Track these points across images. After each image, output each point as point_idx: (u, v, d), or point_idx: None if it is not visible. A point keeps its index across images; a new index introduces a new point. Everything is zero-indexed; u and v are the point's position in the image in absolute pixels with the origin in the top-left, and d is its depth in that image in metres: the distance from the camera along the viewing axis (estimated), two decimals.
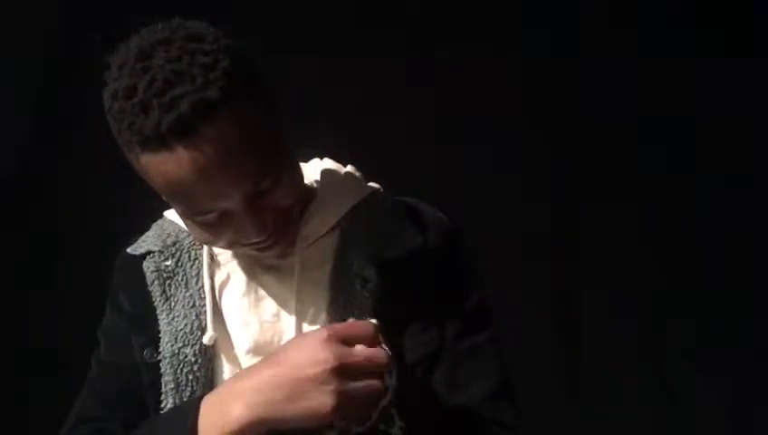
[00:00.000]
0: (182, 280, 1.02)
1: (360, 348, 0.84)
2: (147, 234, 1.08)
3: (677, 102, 2.31)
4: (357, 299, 0.96)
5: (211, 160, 0.84)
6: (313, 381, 0.82)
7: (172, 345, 0.99)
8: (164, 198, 0.93)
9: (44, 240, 2.22)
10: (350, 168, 1.09)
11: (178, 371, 0.98)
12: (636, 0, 2.34)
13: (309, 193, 1.02)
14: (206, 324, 0.99)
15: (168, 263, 1.03)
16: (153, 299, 1.01)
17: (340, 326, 0.86)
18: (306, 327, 0.99)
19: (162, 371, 0.98)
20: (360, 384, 0.83)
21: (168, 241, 1.04)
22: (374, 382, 0.84)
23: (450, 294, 1.01)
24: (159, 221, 1.09)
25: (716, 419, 2.26)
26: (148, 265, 1.03)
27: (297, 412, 0.82)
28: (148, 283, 1.02)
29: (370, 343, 0.85)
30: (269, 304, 1.01)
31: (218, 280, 1.02)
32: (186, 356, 0.98)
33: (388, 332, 0.89)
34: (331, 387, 0.81)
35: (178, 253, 1.04)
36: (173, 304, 1.01)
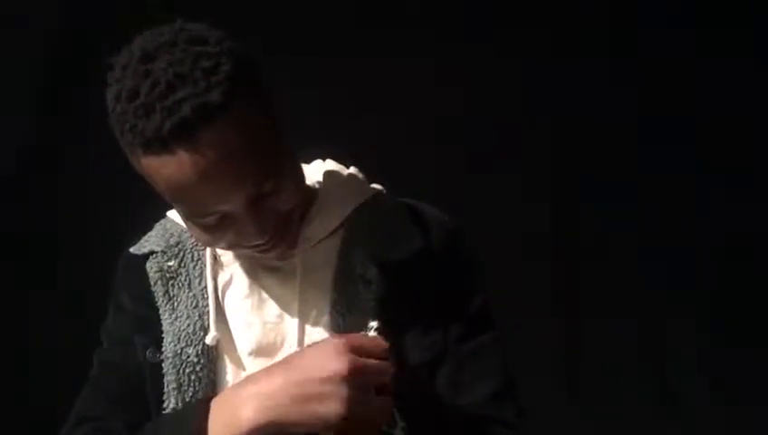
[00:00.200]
0: (185, 280, 1.02)
1: (372, 361, 0.85)
2: (150, 234, 1.08)
3: (677, 102, 2.31)
4: (360, 301, 0.96)
5: (212, 164, 0.84)
6: (324, 387, 0.82)
7: (175, 345, 0.99)
8: (166, 199, 0.93)
9: (44, 240, 2.22)
10: (352, 169, 1.09)
11: (181, 371, 0.98)
12: (636, 0, 2.34)
13: (311, 195, 1.02)
14: (208, 325, 1.00)
15: (170, 263, 1.03)
16: (156, 299, 1.02)
17: (354, 336, 0.87)
18: (309, 329, 0.99)
19: (164, 371, 0.99)
20: (370, 396, 0.84)
21: (171, 241, 1.04)
22: (384, 397, 0.84)
23: (453, 296, 1.01)
24: (162, 221, 1.09)
25: (716, 419, 2.26)
26: (151, 266, 1.03)
27: (307, 418, 0.83)
28: (151, 283, 1.02)
29: (383, 358, 0.85)
30: (272, 306, 1.01)
31: (221, 281, 1.03)
32: (188, 356, 0.98)
33: (391, 333, 0.90)
34: (341, 393, 0.82)
35: (181, 253, 1.04)
36: (176, 304, 1.01)
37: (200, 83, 0.82)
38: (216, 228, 0.91)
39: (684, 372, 2.34)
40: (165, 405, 0.98)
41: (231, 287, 1.02)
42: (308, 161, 1.09)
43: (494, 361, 1.01)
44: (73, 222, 2.19)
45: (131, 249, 1.07)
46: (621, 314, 2.33)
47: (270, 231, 0.92)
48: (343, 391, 0.82)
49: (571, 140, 2.37)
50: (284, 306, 1.00)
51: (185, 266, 1.03)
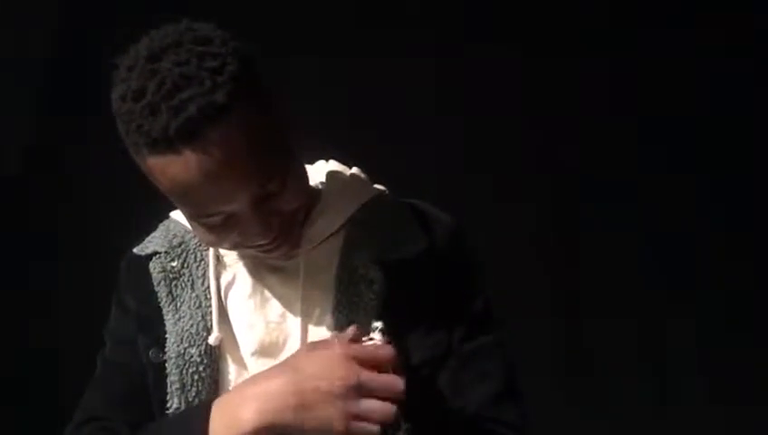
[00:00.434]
0: (188, 281, 1.02)
1: (378, 374, 0.84)
2: (153, 234, 1.08)
3: (677, 102, 2.31)
4: (362, 301, 0.96)
5: (218, 164, 0.84)
6: (328, 395, 0.83)
7: (178, 346, 0.99)
8: (170, 200, 0.93)
9: (44, 240, 2.22)
10: (355, 169, 1.09)
11: (184, 371, 0.98)
12: (636, 0, 2.34)
13: (314, 195, 1.02)
14: (211, 325, 1.00)
15: (174, 264, 1.03)
16: (159, 300, 1.02)
17: (360, 347, 0.87)
18: (312, 328, 0.99)
19: (168, 371, 0.99)
20: (371, 406, 0.83)
21: (174, 242, 1.05)
22: (386, 406, 0.84)
23: (456, 296, 1.01)
24: (166, 222, 1.09)
25: (716, 419, 2.25)
26: (154, 266, 1.03)
27: (307, 422, 0.83)
28: (155, 283, 1.02)
29: (389, 368, 0.85)
30: (275, 306, 1.01)
31: (224, 281, 1.03)
32: (191, 357, 0.98)
33: (394, 333, 0.90)
34: (342, 406, 0.82)
35: (184, 254, 1.04)
36: (179, 304, 1.01)
37: (206, 83, 0.83)
38: (220, 228, 0.91)
39: (684, 372, 2.34)
40: (168, 405, 0.98)
41: (234, 287, 1.02)
42: (311, 162, 1.09)
43: (495, 361, 1.01)
44: (73, 222, 2.19)
45: (134, 250, 1.07)
46: (621, 314, 2.33)
47: (274, 231, 0.92)
48: (342, 404, 0.82)
49: (571, 140, 2.37)
50: (287, 306, 1.00)
51: (188, 267, 1.03)
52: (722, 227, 2.31)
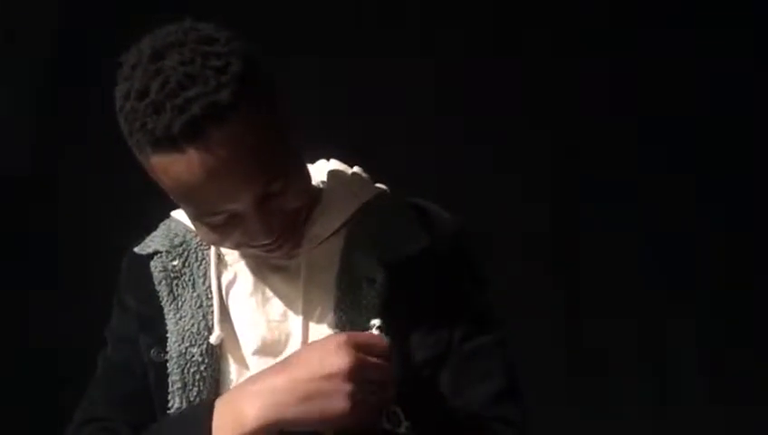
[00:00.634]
0: (189, 280, 1.02)
1: (372, 358, 0.85)
2: (154, 234, 1.08)
3: (677, 102, 2.31)
4: (364, 299, 0.96)
5: (221, 163, 0.84)
6: (327, 384, 0.83)
7: (179, 345, 0.99)
8: (172, 199, 0.93)
9: (44, 240, 2.22)
10: (356, 168, 1.09)
11: (185, 370, 0.98)
12: (636, 0, 2.34)
13: (315, 194, 1.02)
14: (212, 324, 1.00)
15: (175, 263, 1.03)
16: (160, 299, 1.02)
17: (356, 335, 0.87)
18: (313, 327, 0.99)
19: (169, 370, 0.99)
20: (373, 390, 0.84)
21: (176, 241, 1.05)
22: (385, 392, 0.85)
23: (457, 295, 1.01)
24: (167, 221, 1.09)
25: (716, 419, 2.26)
26: (155, 265, 1.03)
27: (311, 415, 0.83)
28: (156, 283, 1.02)
29: (383, 356, 0.86)
30: (276, 305, 1.01)
31: (225, 280, 1.03)
32: (193, 356, 0.98)
33: (395, 332, 0.90)
34: (346, 391, 0.82)
35: (186, 253, 1.04)
36: (180, 303, 1.01)
37: (210, 82, 0.83)
38: (223, 228, 0.91)
39: (684, 372, 2.34)
40: (170, 405, 0.98)
41: (235, 286, 1.02)
42: (312, 161, 1.09)
43: (496, 360, 1.01)
44: (73, 222, 2.19)
45: (135, 249, 1.07)
46: (621, 314, 2.33)
47: (277, 231, 0.92)
48: (346, 387, 0.82)
49: (571, 140, 2.37)
50: (288, 305, 1.00)
51: (189, 266, 1.03)
52: (722, 227, 2.31)
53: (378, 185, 1.09)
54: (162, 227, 1.09)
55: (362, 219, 1.02)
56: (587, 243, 2.38)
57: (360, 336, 0.87)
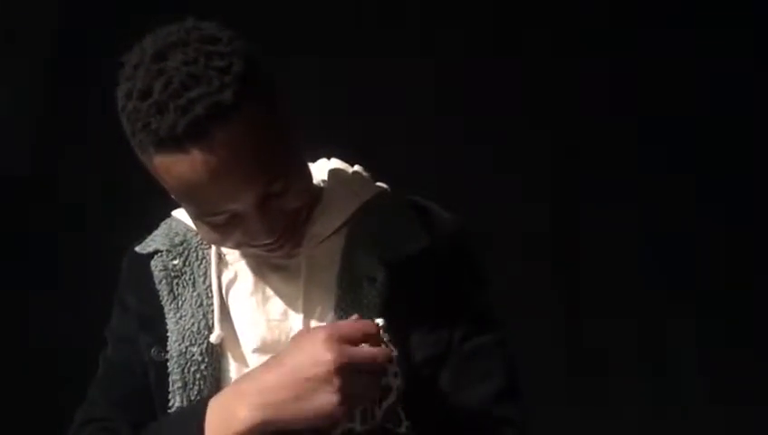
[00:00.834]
0: (189, 279, 1.02)
1: (362, 346, 0.85)
2: (155, 233, 1.08)
3: (677, 102, 2.31)
4: (364, 299, 0.96)
5: (224, 163, 0.84)
6: (317, 381, 0.82)
7: (179, 344, 0.99)
8: (174, 198, 0.93)
9: (44, 240, 2.22)
10: (357, 167, 1.09)
11: (186, 370, 0.98)
12: (636, 0, 2.34)
13: (316, 193, 1.02)
14: (213, 324, 1.00)
15: (175, 262, 1.03)
16: (161, 298, 1.02)
17: (341, 325, 0.87)
18: (314, 326, 0.98)
19: (169, 370, 0.99)
20: (362, 382, 0.84)
21: (176, 240, 1.05)
22: (376, 380, 0.85)
23: (457, 294, 1.01)
24: (167, 220, 1.09)
25: (716, 419, 2.26)
26: (155, 264, 1.03)
27: (302, 413, 0.83)
28: (156, 282, 1.02)
29: (373, 341, 0.86)
30: (276, 304, 1.01)
31: (226, 279, 1.03)
32: (193, 355, 0.98)
33: (396, 331, 0.90)
34: (335, 386, 0.82)
35: (186, 252, 1.04)
36: (180, 303, 1.01)
37: (214, 83, 0.83)
38: (224, 227, 0.91)
39: (684, 372, 2.34)
40: (170, 404, 0.98)
41: (235, 285, 1.02)
42: (313, 160, 1.09)
43: (496, 360, 1.01)
44: (73, 222, 2.19)
45: (136, 248, 1.07)
46: (621, 314, 2.33)
47: (278, 231, 0.92)
48: (334, 382, 0.82)
49: (571, 140, 2.37)
50: (289, 304, 1.00)
51: (189, 265, 1.03)
52: (722, 227, 2.31)
53: (378, 184, 1.09)
54: (163, 226, 1.09)
55: (363, 218, 1.02)
56: (587, 243, 2.38)
57: (343, 327, 0.86)
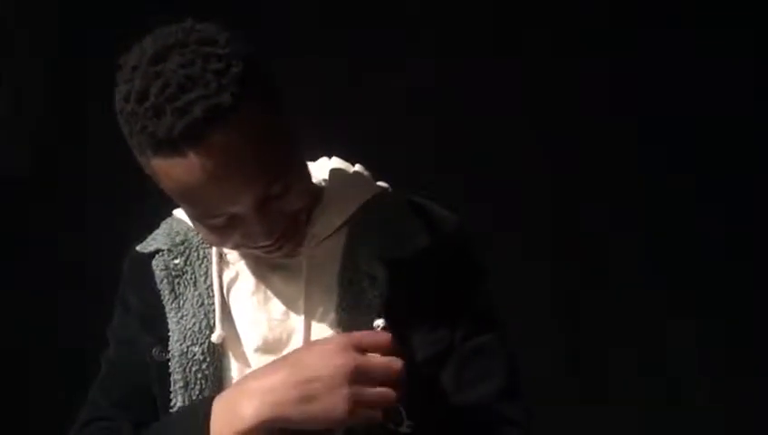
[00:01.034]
0: (191, 279, 1.02)
1: (375, 356, 0.85)
2: (156, 232, 1.08)
3: (677, 102, 2.31)
4: (365, 298, 0.96)
5: (222, 166, 0.84)
6: (327, 385, 0.83)
7: (181, 344, 0.99)
8: (173, 199, 0.93)
9: (45, 240, 2.22)
10: (358, 167, 1.09)
11: (187, 369, 0.98)
12: (636, 0, 2.34)
13: (317, 192, 1.02)
14: (214, 323, 1.00)
15: (176, 261, 1.03)
16: (162, 298, 1.02)
17: (358, 334, 0.87)
18: (315, 325, 0.99)
19: (171, 369, 0.99)
20: (373, 391, 0.84)
21: (177, 239, 1.05)
22: (387, 390, 0.85)
23: (458, 294, 1.01)
24: (169, 220, 1.09)
25: (716, 419, 2.26)
26: (157, 264, 1.03)
27: (309, 414, 0.83)
28: (157, 281, 1.02)
29: (387, 352, 0.86)
30: (278, 303, 1.01)
31: (227, 278, 1.03)
32: (194, 355, 0.98)
33: (397, 330, 0.90)
34: (345, 391, 0.83)
35: (187, 251, 1.04)
36: (182, 302, 1.01)
37: (211, 85, 0.82)
38: (223, 229, 0.91)
39: (684, 372, 2.34)
40: (172, 404, 0.98)
41: (236, 284, 1.02)
42: (313, 160, 1.09)
43: (497, 359, 1.01)
44: (73, 222, 2.19)
45: (137, 248, 1.07)
46: (621, 314, 2.33)
47: (277, 233, 0.92)
48: (345, 389, 0.82)
49: (571, 140, 2.37)
50: (290, 303, 1.00)
51: (191, 265, 1.03)
52: (722, 227, 2.31)
53: (379, 183, 1.09)
54: (164, 225, 1.09)
55: (364, 218, 1.02)
56: (587, 243, 2.38)
57: (362, 337, 0.87)
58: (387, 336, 0.87)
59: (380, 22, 2.31)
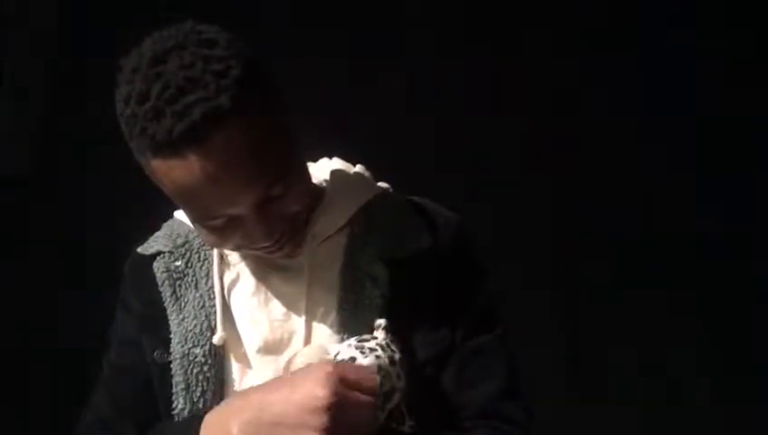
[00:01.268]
0: (192, 281, 1.02)
1: (355, 394, 0.85)
2: (157, 234, 1.08)
3: (678, 102, 2.31)
4: (367, 298, 0.96)
5: (221, 168, 0.84)
6: (306, 416, 0.83)
7: (182, 346, 0.99)
8: (173, 201, 0.93)
9: (45, 240, 2.22)
10: (358, 167, 1.09)
11: (188, 371, 0.98)
12: (636, 0, 2.34)
13: (317, 193, 1.02)
14: (215, 325, 1.00)
15: (178, 263, 1.03)
16: (163, 300, 1.02)
17: (346, 368, 0.87)
18: (316, 326, 0.99)
19: (172, 371, 0.99)
20: (349, 421, 0.84)
21: (178, 241, 1.04)
22: (363, 421, 0.85)
23: (459, 294, 1.01)
24: (169, 221, 1.09)
25: (716, 419, 2.26)
26: (158, 266, 1.03)
27: None
28: (159, 283, 1.02)
29: (370, 393, 0.86)
30: (279, 304, 1.01)
31: (228, 280, 1.03)
32: (196, 357, 0.98)
33: (398, 331, 0.91)
34: (321, 425, 0.82)
35: (188, 253, 1.04)
36: (183, 304, 1.01)
37: (211, 87, 0.82)
38: (223, 231, 0.91)
39: (684, 372, 2.34)
40: (173, 406, 0.99)
41: (237, 285, 1.02)
42: (313, 160, 1.09)
43: (498, 359, 1.01)
44: (73, 222, 2.19)
45: (138, 249, 1.07)
46: (621, 315, 2.33)
47: (277, 234, 0.92)
48: (323, 420, 0.82)
49: (572, 141, 2.37)
50: (291, 304, 1.00)
51: (192, 267, 1.03)
52: (722, 227, 2.31)
53: (380, 184, 1.09)
54: (165, 227, 1.08)
55: (365, 218, 1.02)
56: (587, 243, 2.38)
57: (350, 371, 0.86)
58: (373, 379, 0.86)
59: (380, 22, 2.32)
